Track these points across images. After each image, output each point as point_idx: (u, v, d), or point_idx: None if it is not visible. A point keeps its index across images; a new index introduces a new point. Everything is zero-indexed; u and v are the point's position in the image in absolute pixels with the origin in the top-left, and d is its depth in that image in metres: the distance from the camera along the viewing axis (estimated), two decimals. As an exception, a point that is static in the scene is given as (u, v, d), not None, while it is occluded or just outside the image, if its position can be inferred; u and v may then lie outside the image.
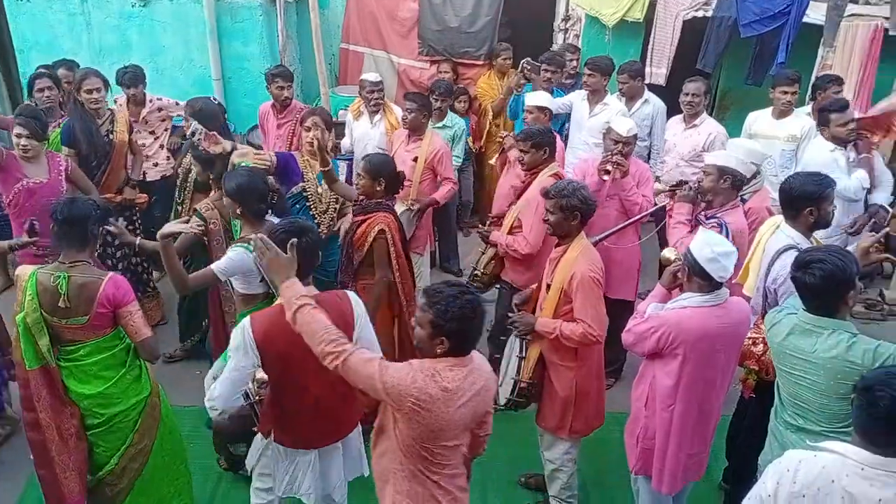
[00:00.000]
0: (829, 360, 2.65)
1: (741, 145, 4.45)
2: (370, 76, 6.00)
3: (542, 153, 4.50)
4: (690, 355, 3.09)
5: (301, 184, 4.64)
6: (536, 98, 5.32)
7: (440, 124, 5.99)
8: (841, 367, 2.63)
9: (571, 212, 3.49)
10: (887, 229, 3.05)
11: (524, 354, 3.63)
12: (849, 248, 3.31)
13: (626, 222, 4.45)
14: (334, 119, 6.64)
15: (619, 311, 4.76)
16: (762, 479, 2.33)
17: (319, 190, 4.70)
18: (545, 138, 4.53)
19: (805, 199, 3.46)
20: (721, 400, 3.36)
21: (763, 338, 3.30)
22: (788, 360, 2.80)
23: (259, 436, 3.23)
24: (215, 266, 3.53)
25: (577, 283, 3.40)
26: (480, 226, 4.88)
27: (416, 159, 5.31)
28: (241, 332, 2.84)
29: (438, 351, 2.46)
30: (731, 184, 3.92)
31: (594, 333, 3.40)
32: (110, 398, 3.32)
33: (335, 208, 4.78)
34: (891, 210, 4.76)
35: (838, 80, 5.65)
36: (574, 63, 6.84)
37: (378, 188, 4.12)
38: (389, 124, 5.87)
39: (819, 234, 3.87)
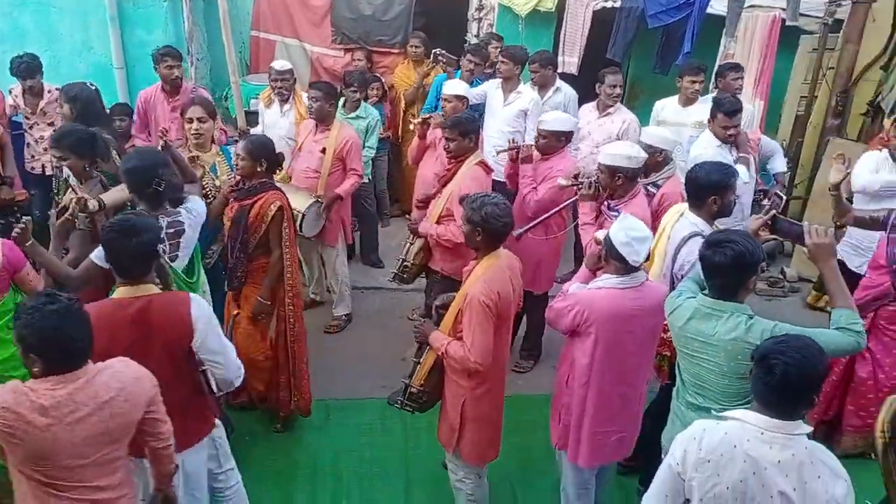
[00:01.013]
0: (730, 341, 2.74)
1: (653, 133, 4.59)
2: (277, 64, 5.85)
3: (468, 141, 4.53)
4: (602, 335, 3.21)
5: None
6: (454, 87, 5.31)
7: (354, 115, 5.92)
8: (741, 349, 2.71)
9: (475, 227, 3.30)
10: (774, 212, 3.18)
11: (420, 359, 3.54)
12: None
13: (544, 216, 4.47)
14: (246, 109, 6.54)
15: (535, 303, 4.87)
16: (671, 450, 2.43)
17: (217, 182, 4.56)
18: (471, 127, 4.56)
19: (710, 187, 3.57)
20: (644, 383, 3.47)
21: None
22: (690, 343, 2.87)
23: None
24: (94, 254, 3.36)
25: (467, 305, 3.24)
26: (408, 217, 4.83)
27: (324, 150, 5.23)
28: None
29: (35, 370, 2.33)
30: (626, 177, 4.00)
31: (471, 360, 3.21)
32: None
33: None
34: (784, 197, 4.97)
35: (737, 68, 5.88)
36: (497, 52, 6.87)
37: (259, 168, 4.12)
38: (299, 114, 5.74)
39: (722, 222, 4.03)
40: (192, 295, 3.03)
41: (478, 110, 6.08)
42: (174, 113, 5.58)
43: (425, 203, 4.82)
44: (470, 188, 4.27)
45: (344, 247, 5.71)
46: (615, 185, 4.01)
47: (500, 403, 3.61)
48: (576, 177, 4.31)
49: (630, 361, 3.33)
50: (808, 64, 6.84)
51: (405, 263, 4.69)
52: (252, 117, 6.41)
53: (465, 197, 3.50)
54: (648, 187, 4.52)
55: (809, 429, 2.27)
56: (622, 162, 3.98)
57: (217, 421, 3.29)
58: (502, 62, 5.92)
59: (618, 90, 5.77)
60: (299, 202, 4.87)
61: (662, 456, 2.82)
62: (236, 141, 5.20)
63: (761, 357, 2.25)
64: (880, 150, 4.87)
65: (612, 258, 3.23)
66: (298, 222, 4.79)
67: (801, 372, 2.18)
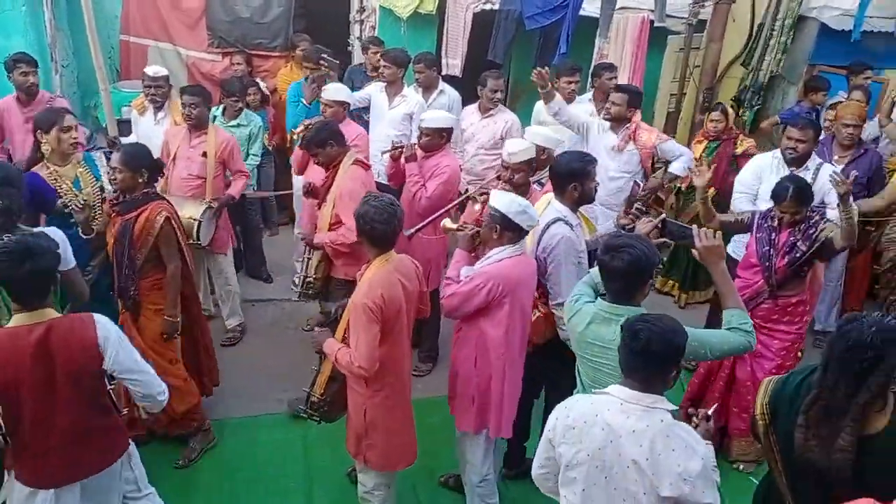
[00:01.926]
0: None
1: (537, 132, 4.70)
2: (151, 70, 5.59)
3: (330, 148, 4.48)
4: (515, 302, 3.38)
5: (59, 200, 4.19)
6: (334, 92, 5.26)
7: (234, 122, 5.76)
8: None
9: (358, 227, 3.35)
10: (664, 215, 3.32)
11: (319, 368, 3.55)
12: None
13: (433, 216, 4.49)
14: (118, 117, 6.22)
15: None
16: (549, 421, 2.57)
17: (81, 196, 4.28)
18: (324, 133, 4.49)
19: (570, 175, 3.71)
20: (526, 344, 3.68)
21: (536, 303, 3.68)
22: (590, 348, 2.93)
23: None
24: None
25: (351, 309, 3.27)
26: (299, 232, 4.76)
27: (204, 154, 5.06)
28: None
29: None
30: (549, 157, 4.21)
31: (355, 365, 3.20)
32: None
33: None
34: (641, 184, 5.19)
35: (611, 67, 6.12)
36: (378, 56, 6.84)
37: (140, 180, 3.92)
38: (174, 122, 5.51)
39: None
40: (95, 315, 2.90)
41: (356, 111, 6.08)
42: (28, 124, 5.13)
43: (313, 194, 4.76)
44: (352, 188, 4.28)
45: (232, 257, 5.56)
46: (541, 160, 4.23)
47: (405, 411, 3.61)
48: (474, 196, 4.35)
49: (526, 321, 3.57)
50: (676, 63, 7.21)
51: (308, 279, 4.59)
52: (124, 126, 6.11)
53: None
54: (534, 185, 4.66)
55: (671, 406, 2.41)
56: (550, 143, 4.28)
57: (131, 443, 3.18)
58: (385, 66, 5.90)
59: (499, 94, 5.88)
60: (192, 210, 4.71)
61: None
62: (107, 151, 4.96)
63: (629, 326, 2.42)
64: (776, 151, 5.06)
65: (506, 230, 3.39)
66: (195, 231, 4.62)
67: (663, 338, 2.35)
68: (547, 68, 5.37)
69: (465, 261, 3.59)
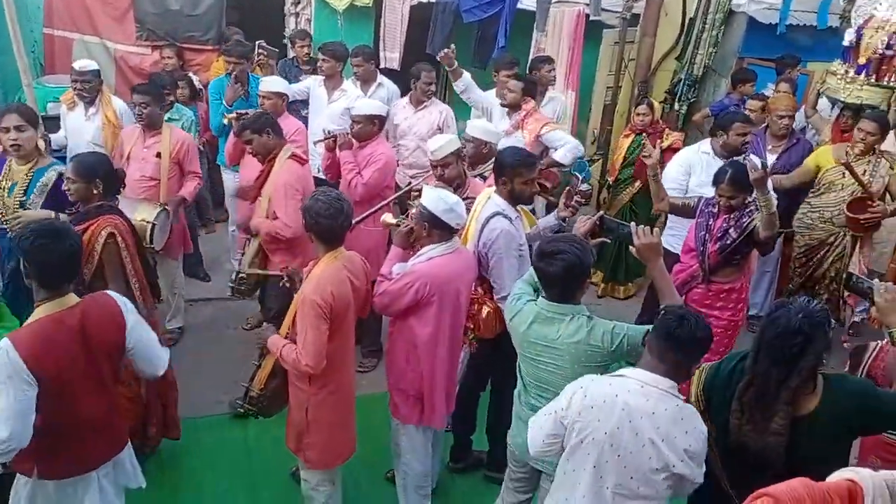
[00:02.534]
0: (573, 345, 2.84)
1: (477, 126, 4.72)
2: (78, 64, 5.36)
3: (266, 137, 4.41)
4: (443, 300, 3.37)
5: None
6: (271, 84, 5.15)
7: (166, 117, 5.58)
8: (584, 351, 2.83)
9: (305, 222, 3.29)
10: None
11: (260, 363, 3.49)
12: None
13: (373, 209, 4.47)
14: (43, 114, 5.95)
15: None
16: (558, 398, 2.64)
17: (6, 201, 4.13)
18: (260, 123, 4.41)
19: (502, 168, 3.73)
20: (461, 340, 3.69)
21: (477, 298, 3.72)
22: (532, 347, 2.95)
23: (20, 478, 2.87)
24: None
25: (300, 305, 3.19)
26: (233, 230, 4.62)
27: (159, 155, 4.90)
28: (5, 358, 2.53)
29: None
30: (490, 150, 4.25)
31: (302, 362, 3.15)
32: None
33: None
34: (580, 177, 5.26)
35: (550, 60, 6.17)
36: (306, 49, 6.75)
37: (95, 191, 3.69)
38: (106, 117, 5.32)
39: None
40: (110, 294, 2.97)
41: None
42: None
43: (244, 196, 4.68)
44: (287, 182, 4.22)
45: (181, 261, 5.43)
46: (482, 154, 4.24)
47: (348, 406, 3.58)
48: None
49: (460, 317, 3.58)
50: (612, 56, 7.33)
51: (241, 275, 4.48)
52: (52, 122, 5.85)
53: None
54: (477, 178, 4.66)
55: (682, 397, 2.55)
56: (491, 137, 4.28)
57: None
58: (323, 59, 5.83)
59: (433, 87, 5.86)
60: (145, 213, 4.53)
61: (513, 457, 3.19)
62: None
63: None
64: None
65: (434, 228, 3.38)
66: (148, 234, 4.47)
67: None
68: (453, 46, 5.58)
69: (398, 258, 3.57)
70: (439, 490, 4.14)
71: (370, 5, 7.10)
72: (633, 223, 3.15)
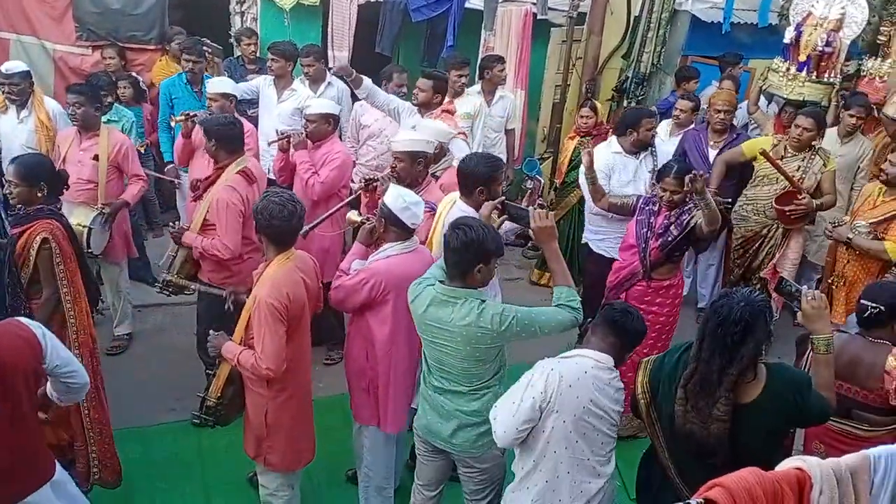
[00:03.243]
0: (464, 327, 2.90)
1: (428, 126, 4.71)
2: (5, 66, 5.16)
3: (227, 146, 4.27)
4: (400, 299, 3.34)
5: None
6: (219, 85, 5.06)
7: (105, 118, 5.45)
8: (475, 333, 2.89)
9: (256, 224, 3.26)
10: (503, 197, 3.42)
11: (214, 371, 3.42)
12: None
13: (328, 213, 4.38)
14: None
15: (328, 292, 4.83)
16: (528, 388, 2.75)
17: None
18: (227, 131, 4.25)
19: (478, 179, 3.72)
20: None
21: None
22: (430, 329, 3.02)
23: None
24: None
25: (256, 309, 3.15)
26: (172, 224, 4.47)
27: (96, 157, 4.76)
28: None
29: None
30: (425, 162, 4.13)
31: (262, 367, 3.12)
32: None
33: None
34: (541, 180, 5.34)
35: (501, 59, 6.20)
36: (253, 48, 6.65)
37: (39, 194, 3.60)
38: (39, 120, 5.15)
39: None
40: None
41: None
42: None
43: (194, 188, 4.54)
44: (228, 199, 4.08)
45: (126, 265, 5.29)
46: (416, 171, 4.09)
47: (307, 407, 3.57)
48: (368, 182, 4.25)
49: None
50: (560, 54, 7.39)
51: (166, 278, 4.31)
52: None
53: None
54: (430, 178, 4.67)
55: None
56: (420, 147, 4.10)
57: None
58: (272, 59, 5.76)
59: (404, 89, 5.84)
60: (81, 217, 4.41)
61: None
62: None
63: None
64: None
65: (391, 226, 3.40)
66: (85, 238, 4.34)
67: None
68: (346, 55, 5.83)
69: (359, 254, 3.59)
70: (402, 490, 4.13)
71: (317, 4, 7.02)
72: (531, 207, 3.26)
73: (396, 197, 3.39)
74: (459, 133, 5.26)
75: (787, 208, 5.08)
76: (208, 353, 3.49)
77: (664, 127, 5.92)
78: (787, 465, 2.00)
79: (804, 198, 5.02)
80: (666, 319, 4.46)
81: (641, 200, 4.47)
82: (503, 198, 3.42)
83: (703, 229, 4.15)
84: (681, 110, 6.01)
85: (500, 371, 3.10)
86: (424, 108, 5.43)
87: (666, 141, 5.91)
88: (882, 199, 4.67)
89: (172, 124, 5.39)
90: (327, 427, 4.45)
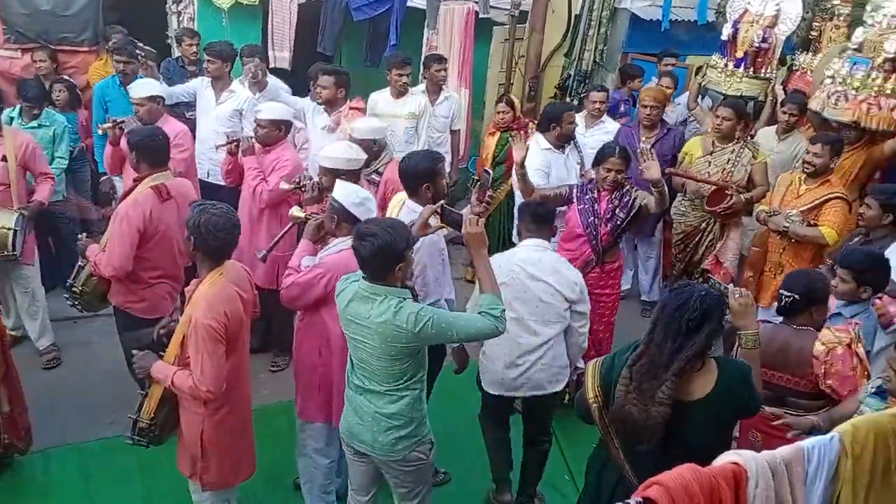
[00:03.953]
0: (381, 324, 2.87)
1: (361, 127, 4.72)
2: None
3: (147, 158, 4.02)
4: None
5: None
6: (143, 88, 4.85)
7: (34, 124, 5.27)
8: (390, 331, 2.86)
9: (192, 237, 3.09)
10: (443, 202, 3.43)
11: (147, 391, 3.25)
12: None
13: (283, 232, 4.22)
14: None
15: (274, 300, 4.75)
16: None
17: None
18: (146, 143, 3.99)
19: (421, 176, 3.71)
20: None
21: None
22: (351, 326, 2.98)
23: None
24: None
25: (192, 330, 3.03)
26: (82, 237, 4.18)
27: (4, 158, 4.58)
28: None
29: None
30: (349, 177, 4.02)
31: (202, 389, 3.01)
32: None
33: None
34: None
35: (439, 59, 6.18)
36: (194, 49, 6.50)
37: None
38: None
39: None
40: None
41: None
42: None
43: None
44: (131, 216, 3.85)
45: (38, 268, 5.05)
46: (373, 151, 4.18)
47: (246, 422, 3.45)
48: (298, 182, 4.23)
49: None
50: (503, 53, 7.42)
51: (73, 289, 4.06)
52: None
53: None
54: (373, 175, 4.66)
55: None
56: (343, 165, 4.05)
57: None
58: (209, 60, 5.62)
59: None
60: (4, 220, 4.26)
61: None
62: None
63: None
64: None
65: (343, 221, 3.39)
66: (10, 241, 4.19)
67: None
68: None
69: (307, 250, 3.55)
70: (346, 495, 4.07)
71: (256, 4, 6.90)
72: (464, 211, 3.29)
73: (349, 193, 3.39)
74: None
75: (717, 208, 5.22)
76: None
77: (580, 120, 5.96)
78: (723, 459, 2.03)
79: (732, 198, 5.16)
80: (616, 298, 4.67)
81: (577, 190, 4.53)
82: (442, 202, 3.40)
83: (652, 209, 4.31)
84: (594, 102, 6.07)
85: (420, 374, 3.05)
86: (330, 105, 5.37)
87: (585, 133, 5.96)
88: (805, 187, 4.83)
89: (100, 132, 5.20)
90: (273, 434, 4.40)
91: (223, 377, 3.05)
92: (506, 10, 7.21)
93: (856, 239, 4.44)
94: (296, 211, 3.84)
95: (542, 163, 5.07)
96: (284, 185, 4.21)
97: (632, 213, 4.33)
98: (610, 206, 4.37)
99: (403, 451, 3.07)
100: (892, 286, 3.70)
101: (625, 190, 4.38)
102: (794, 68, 6.70)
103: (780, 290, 3.39)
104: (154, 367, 3.13)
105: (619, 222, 4.35)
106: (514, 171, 4.64)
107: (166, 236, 4.00)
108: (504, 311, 2.96)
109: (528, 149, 4.71)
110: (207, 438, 3.21)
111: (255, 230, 4.73)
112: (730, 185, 5.22)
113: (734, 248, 5.47)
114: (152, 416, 3.20)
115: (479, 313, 2.93)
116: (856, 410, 2.93)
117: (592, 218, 4.41)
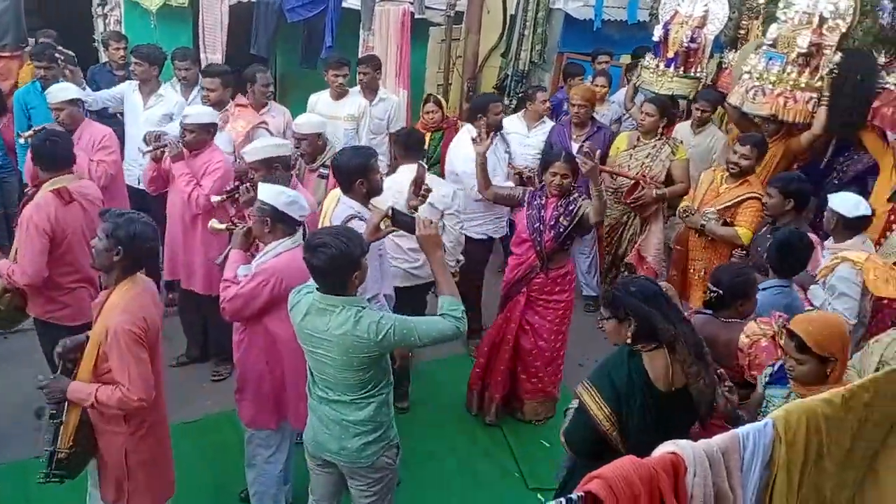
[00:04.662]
0: (341, 336, 2.81)
1: (303, 122, 4.70)
2: None
3: (43, 163, 3.87)
4: None
5: None
6: (60, 92, 4.65)
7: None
8: (351, 342, 2.81)
9: (115, 246, 2.93)
10: (392, 206, 3.40)
11: (62, 419, 3.03)
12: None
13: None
14: None
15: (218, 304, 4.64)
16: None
17: None
18: (42, 148, 3.85)
19: (354, 172, 3.68)
20: None
21: None
22: (309, 339, 2.92)
23: None
24: None
25: (112, 340, 2.88)
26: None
27: None
28: None
29: None
30: (283, 166, 4.06)
31: (134, 399, 2.89)
32: None
33: None
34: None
35: (366, 60, 6.09)
36: (122, 52, 6.31)
37: None
38: None
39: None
40: None
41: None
42: None
43: None
44: (37, 221, 3.70)
45: None
46: (319, 146, 4.16)
47: (165, 436, 3.32)
48: (228, 190, 4.14)
49: None
50: (440, 53, 7.43)
51: None
52: None
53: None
54: (321, 169, 4.64)
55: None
56: (272, 152, 4.04)
57: None
58: (136, 63, 5.47)
59: (271, 87, 5.69)
60: None
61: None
62: None
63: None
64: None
65: (278, 223, 3.34)
66: None
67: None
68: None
69: (241, 260, 3.47)
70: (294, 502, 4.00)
71: (186, 5, 6.75)
72: (416, 214, 3.26)
73: (277, 193, 3.31)
74: (260, 124, 5.25)
75: (627, 199, 5.44)
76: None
77: (519, 121, 6.00)
78: (661, 450, 2.05)
79: (643, 189, 5.36)
80: (567, 304, 4.63)
81: (528, 195, 4.54)
82: (391, 206, 3.35)
83: (590, 219, 4.31)
84: (543, 102, 6.10)
85: (385, 380, 3.01)
86: (219, 106, 5.22)
87: (528, 135, 5.97)
88: (726, 185, 4.94)
89: (21, 141, 4.99)
90: (219, 444, 4.28)
91: (152, 383, 2.94)
92: (441, 10, 7.22)
93: (764, 228, 4.54)
94: (215, 224, 3.75)
95: (471, 151, 5.10)
96: (215, 198, 4.07)
97: (574, 221, 4.33)
98: (555, 213, 4.37)
99: (371, 456, 3.01)
100: (802, 275, 3.83)
101: (571, 198, 4.38)
102: (723, 66, 6.87)
103: (708, 285, 3.49)
104: (70, 388, 2.95)
105: (561, 230, 4.34)
106: (475, 164, 4.61)
107: (76, 239, 3.86)
108: (465, 311, 2.93)
109: (491, 141, 4.76)
110: (133, 458, 3.07)
111: (189, 236, 4.61)
112: (642, 179, 5.37)
113: (656, 244, 5.58)
114: (70, 444, 3.00)
115: (440, 315, 2.90)
116: (761, 400, 3.05)
117: (538, 224, 4.41)
